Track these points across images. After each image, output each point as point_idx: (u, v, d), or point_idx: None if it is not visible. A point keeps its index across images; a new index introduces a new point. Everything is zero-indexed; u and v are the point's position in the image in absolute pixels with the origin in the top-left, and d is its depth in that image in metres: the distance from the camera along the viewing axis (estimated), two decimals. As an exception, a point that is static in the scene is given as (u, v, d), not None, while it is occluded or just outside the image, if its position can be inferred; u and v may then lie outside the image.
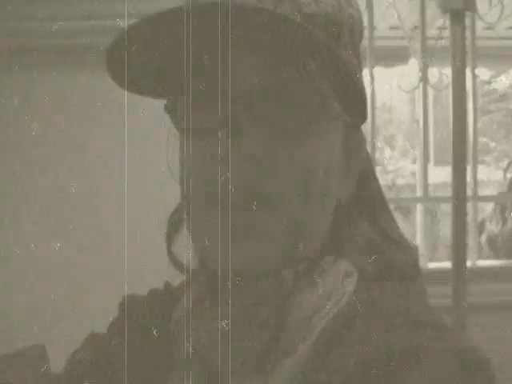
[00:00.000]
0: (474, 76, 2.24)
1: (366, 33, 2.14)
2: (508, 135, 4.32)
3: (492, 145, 4.42)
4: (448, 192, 1.59)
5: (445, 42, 1.67)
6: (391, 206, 0.66)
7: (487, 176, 3.82)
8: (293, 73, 0.52)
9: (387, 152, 4.69)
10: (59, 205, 1.91)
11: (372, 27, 2.20)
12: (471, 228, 2.24)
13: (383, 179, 4.08)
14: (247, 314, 0.53)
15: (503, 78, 4.05)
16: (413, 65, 2.30)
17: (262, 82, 0.52)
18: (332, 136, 0.56)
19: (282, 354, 0.52)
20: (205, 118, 0.53)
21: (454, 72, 1.50)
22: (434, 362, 0.45)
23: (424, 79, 2.18)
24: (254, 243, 0.52)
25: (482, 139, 4.00)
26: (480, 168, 2.41)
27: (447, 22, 1.52)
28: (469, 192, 2.00)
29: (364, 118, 0.60)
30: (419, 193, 2.30)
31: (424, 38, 2.19)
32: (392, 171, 4.47)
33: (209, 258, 0.56)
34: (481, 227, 2.73)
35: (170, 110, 0.57)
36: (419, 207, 2.33)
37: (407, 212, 3.16)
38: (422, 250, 2.26)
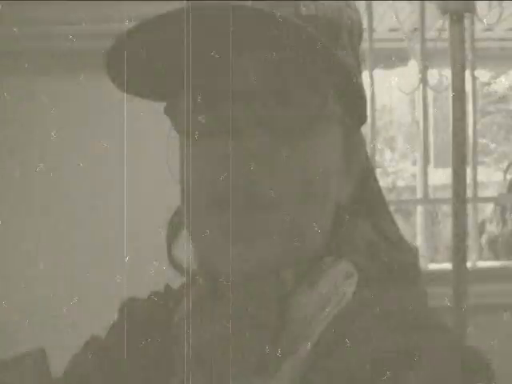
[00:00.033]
0: (474, 77, 2.24)
1: (366, 35, 2.15)
2: (508, 136, 4.32)
3: (492, 146, 4.41)
4: (448, 194, 1.59)
5: (444, 44, 1.67)
6: (391, 208, 0.66)
7: (487, 177, 3.82)
8: (292, 74, 0.52)
9: (387, 154, 4.69)
10: (59, 206, 1.91)
11: (371, 29, 2.20)
12: (471, 229, 2.24)
13: (383, 181, 4.08)
14: (247, 316, 0.53)
15: (503, 79, 4.04)
16: (412, 66, 2.30)
17: (262, 83, 0.52)
18: (332, 137, 0.56)
19: (282, 355, 0.52)
20: (205, 119, 0.53)
21: (453, 73, 1.51)
22: (434, 362, 0.45)
23: (424, 81, 2.18)
24: (254, 244, 0.52)
25: (481, 140, 4.00)
26: (480, 169, 2.41)
27: (446, 24, 1.52)
28: (469, 193, 2.01)
29: (364, 120, 0.60)
30: (419, 195, 2.30)
31: (423, 39, 2.20)
32: (392, 173, 4.47)
33: (209, 260, 0.56)
34: (481, 228, 2.73)
35: (169, 112, 0.57)
36: (419, 209, 2.33)
37: (408, 214, 3.16)
38: (422, 252, 2.26)
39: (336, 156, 0.57)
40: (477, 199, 2.28)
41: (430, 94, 2.45)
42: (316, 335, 0.53)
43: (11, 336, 1.68)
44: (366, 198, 0.62)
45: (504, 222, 2.81)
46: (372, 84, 2.17)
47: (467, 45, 2.04)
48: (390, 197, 2.87)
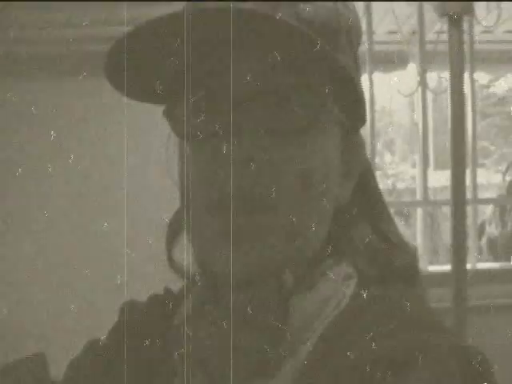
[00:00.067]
0: (473, 80, 2.25)
1: (365, 37, 2.15)
2: (507, 139, 4.31)
3: (491, 148, 4.41)
4: (448, 196, 1.59)
5: (443, 47, 1.67)
6: (391, 210, 0.66)
7: (487, 179, 3.82)
8: (292, 77, 0.52)
9: (387, 156, 4.69)
10: (58, 209, 1.91)
11: (371, 32, 2.21)
12: (471, 231, 2.24)
13: (383, 184, 4.08)
14: (248, 318, 0.53)
15: (502, 81, 4.05)
16: (411, 69, 2.31)
17: (262, 85, 0.52)
18: (331, 139, 0.56)
19: (283, 356, 0.52)
20: (205, 122, 0.53)
21: (452, 75, 1.51)
22: (434, 362, 0.46)
23: (423, 83, 2.18)
24: (254, 246, 0.52)
25: (481, 143, 4.00)
26: (479, 171, 2.41)
27: (445, 27, 1.53)
28: (468, 195, 2.01)
29: (363, 122, 0.60)
30: (419, 197, 2.30)
31: (422, 42, 2.20)
32: (392, 175, 4.47)
33: (208, 262, 0.56)
34: (480, 230, 2.73)
35: (168, 115, 0.57)
36: (419, 211, 2.34)
37: (407, 216, 3.16)
38: (422, 253, 2.26)
39: (335, 157, 0.57)
40: (476, 201, 2.28)
41: (430, 97, 2.46)
42: (316, 336, 0.53)
43: (10, 342, 1.68)
44: (366, 200, 0.62)
45: (503, 223, 2.81)
46: (371, 86, 2.18)
47: (466, 47, 2.04)
48: (389, 199, 2.87)
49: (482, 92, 4.01)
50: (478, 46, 2.30)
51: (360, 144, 0.62)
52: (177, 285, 0.66)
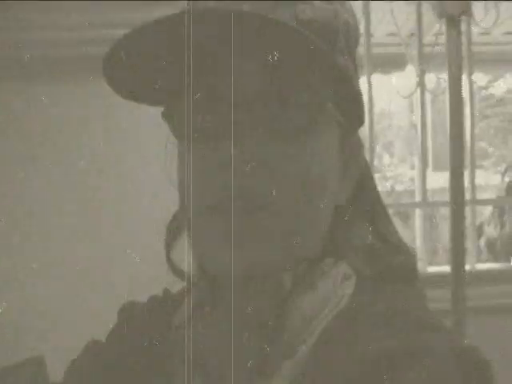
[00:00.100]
0: (471, 81, 2.25)
1: (364, 40, 2.15)
2: (505, 140, 4.32)
3: (490, 150, 4.42)
4: (447, 197, 1.60)
5: (442, 48, 1.67)
6: (390, 212, 0.66)
7: (485, 180, 3.82)
8: (290, 77, 0.52)
9: (386, 158, 4.69)
10: (57, 211, 1.91)
11: (369, 34, 2.21)
12: (470, 232, 2.25)
13: (382, 185, 4.08)
14: (247, 318, 0.53)
15: (500, 83, 4.05)
16: (410, 71, 2.31)
17: (261, 86, 0.52)
18: (329, 139, 0.56)
19: (282, 356, 0.52)
20: (204, 123, 0.54)
21: (450, 77, 1.51)
22: (433, 362, 0.46)
23: (421, 85, 2.19)
24: (253, 248, 0.52)
25: (480, 144, 4.00)
26: (478, 173, 2.42)
27: (443, 28, 1.53)
28: (467, 196, 2.01)
29: (361, 122, 0.60)
30: (418, 198, 2.30)
31: (421, 44, 2.20)
32: (391, 177, 4.47)
33: (208, 263, 0.56)
34: (479, 231, 2.74)
35: (167, 116, 0.57)
36: (418, 212, 2.34)
37: (406, 217, 3.16)
38: (421, 255, 2.26)
39: (334, 158, 0.57)
40: (475, 201, 2.28)
41: (429, 99, 2.46)
42: (315, 336, 0.53)
43: (9, 345, 1.68)
44: (364, 200, 0.62)
45: (502, 224, 2.82)
46: (370, 88, 2.18)
47: (464, 48, 2.05)
48: (388, 201, 2.87)
49: (480, 93, 4.02)
50: (476, 48, 2.30)
51: (358, 144, 0.62)
52: (176, 286, 0.66)
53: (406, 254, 0.61)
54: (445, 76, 1.59)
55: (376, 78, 2.28)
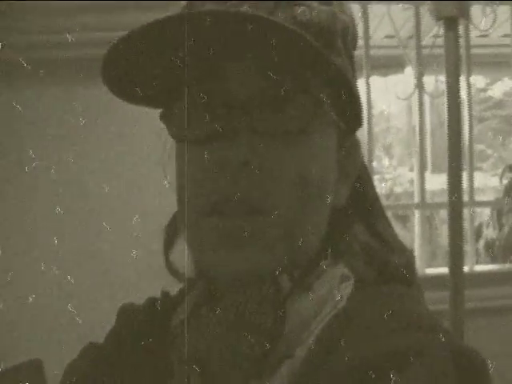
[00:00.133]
0: (469, 83, 2.25)
1: (362, 42, 2.15)
2: (504, 142, 4.32)
3: (488, 152, 4.42)
4: (446, 199, 1.60)
5: (440, 51, 1.67)
6: (389, 214, 0.66)
7: (484, 182, 3.83)
8: (288, 79, 0.52)
9: (385, 160, 4.70)
10: (55, 211, 1.91)
11: (368, 36, 2.21)
12: (468, 234, 2.25)
13: (381, 188, 4.09)
14: (245, 320, 0.53)
15: (499, 85, 4.06)
16: (409, 73, 2.31)
17: (258, 89, 0.52)
18: (327, 142, 0.56)
19: (279, 358, 0.52)
20: (201, 126, 0.54)
21: (448, 79, 1.51)
22: (430, 362, 0.46)
23: (420, 87, 2.19)
24: (251, 250, 0.52)
25: (478, 146, 4.01)
26: (476, 175, 2.42)
27: (441, 30, 1.53)
28: (466, 199, 2.01)
29: (359, 124, 0.60)
30: (417, 200, 2.31)
31: (419, 46, 2.21)
32: (390, 179, 4.47)
33: (206, 265, 0.56)
34: (478, 233, 2.74)
35: (165, 118, 0.57)
36: (417, 214, 2.34)
37: (405, 220, 3.16)
38: (419, 256, 2.26)
39: (331, 160, 0.57)
40: (473, 203, 2.29)
41: (427, 101, 2.46)
42: (312, 338, 0.53)
43: (8, 348, 1.67)
44: (362, 201, 0.62)
45: (501, 226, 2.82)
46: (368, 91, 2.18)
47: (463, 51, 2.05)
48: (387, 203, 2.88)
49: (479, 95, 4.02)
50: (474, 50, 2.30)
51: (356, 146, 0.62)
52: (174, 288, 0.66)
53: (403, 254, 0.61)
54: (443, 78, 1.59)
55: (374, 80, 2.28)
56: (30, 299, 1.77)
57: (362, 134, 0.63)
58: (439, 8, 1.45)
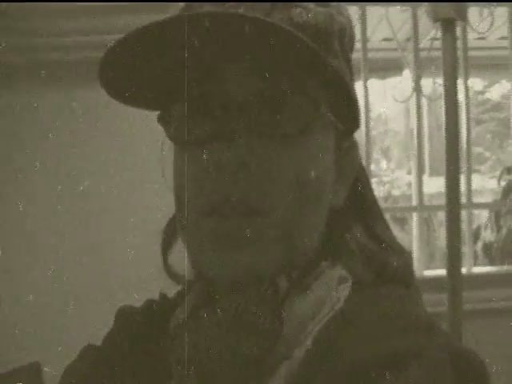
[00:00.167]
0: (467, 86, 2.26)
1: (360, 45, 2.16)
2: (502, 144, 4.33)
3: (486, 154, 4.43)
4: (443, 202, 1.60)
5: (438, 53, 1.68)
6: (387, 216, 0.66)
7: (482, 185, 3.83)
8: (285, 80, 0.52)
9: (383, 163, 4.70)
10: (53, 212, 1.91)
11: (365, 39, 2.21)
12: (466, 236, 2.25)
13: (379, 190, 4.09)
14: (243, 321, 0.53)
15: (496, 87, 4.07)
16: (407, 75, 2.32)
17: (256, 90, 0.52)
18: (325, 143, 0.56)
19: (278, 359, 0.52)
20: (199, 127, 0.54)
21: (445, 81, 1.51)
22: (428, 363, 0.46)
23: (417, 90, 2.19)
24: (249, 251, 0.52)
25: (476, 148, 4.02)
26: (474, 177, 2.42)
27: (439, 33, 1.53)
28: (463, 201, 2.01)
29: (357, 125, 0.60)
30: (415, 203, 2.31)
31: (417, 49, 2.21)
32: (388, 182, 4.48)
33: (204, 266, 0.56)
34: (476, 235, 2.74)
35: (163, 120, 0.57)
36: (415, 217, 2.34)
37: (403, 222, 3.16)
38: (418, 258, 2.26)
39: (329, 161, 0.57)
40: (471, 205, 2.29)
41: (425, 103, 2.47)
42: (310, 339, 0.53)
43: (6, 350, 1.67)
44: (360, 203, 0.63)
45: (499, 228, 2.82)
46: (366, 94, 2.18)
47: (460, 53, 2.05)
48: (385, 205, 2.88)
49: (477, 98, 4.03)
50: (472, 53, 2.31)
51: (354, 147, 0.62)
52: (172, 290, 0.66)
53: (401, 255, 0.61)
54: (441, 81, 1.59)
55: (372, 83, 2.28)
56: (30, 299, 1.77)
57: (359, 136, 0.63)
58: (436, 10, 1.45)
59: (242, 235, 0.52)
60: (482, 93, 4.19)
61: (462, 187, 1.90)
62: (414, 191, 2.34)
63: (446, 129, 1.55)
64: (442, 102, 1.56)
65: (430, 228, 3.49)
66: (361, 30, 2.18)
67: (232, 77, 0.53)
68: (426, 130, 3.07)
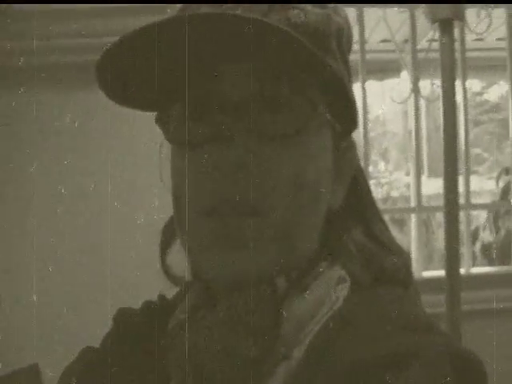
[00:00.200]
0: (465, 87, 2.26)
1: (358, 46, 2.16)
2: (500, 146, 4.33)
3: (485, 155, 4.43)
4: (442, 203, 1.60)
5: (436, 54, 1.68)
6: (386, 218, 0.66)
7: (480, 186, 3.83)
8: (282, 81, 0.52)
9: (381, 165, 4.70)
10: (51, 213, 1.91)
11: (363, 41, 2.22)
12: (465, 237, 2.25)
13: (377, 192, 4.09)
14: (242, 322, 0.53)
15: (495, 88, 4.07)
16: (405, 77, 2.32)
17: (254, 90, 0.52)
18: (323, 143, 0.56)
19: (277, 359, 0.52)
20: (197, 128, 0.54)
21: (443, 82, 1.52)
22: (427, 363, 0.46)
23: (415, 91, 2.19)
24: (247, 252, 0.52)
25: (474, 150, 4.02)
26: (473, 178, 2.42)
27: (437, 34, 1.54)
28: (462, 201, 2.01)
29: (355, 126, 0.60)
30: (413, 204, 2.31)
31: (415, 50, 2.21)
32: (386, 184, 4.47)
33: (202, 268, 0.56)
34: (474, 236, 2.74)
35: (160, 121, 0.57)
36: (413, 218, 2.34)
37: (402, 224, 3.16)
38: (416, 259, 2.27)
39: (327, 161, 0.57)
40: (469, 206, 2.29)
41: (423, 105, 2.47)
42: (310, 339, 0.53)
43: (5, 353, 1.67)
44: (358, 203, 0.63)
45: (497, 229, 2.83)
46: (364, 95, 2.18)
47: (458, 54, 2.05)
48: (384, 207, 2.88)
49: (475, 99, 4.03)
50: (469, 54, 2.31)
51: (352, 147, 0.62)
52: (171, 291, 0.66)
53: (399, 255, 0.61)
54: (439, 82, 1.59)
55: (370, 84, 2.28)
56: (30, 299, 1.77)
57: (357, 138, 0.63)
58: (434, 10, 1.45)
59: (241, 235, 0.52)
60: (480, 94, 4.19)
61: (461, 188, 1.91)
62: (412, 192, 2.34)
63: (444, 130, 1.55)
64: (440, 104, 1.57)
65: (429, 229, 3.50)
66: (359, 31, 2.18)
67: (229, 77, 0.53)
68: (424, 132, 3.07)
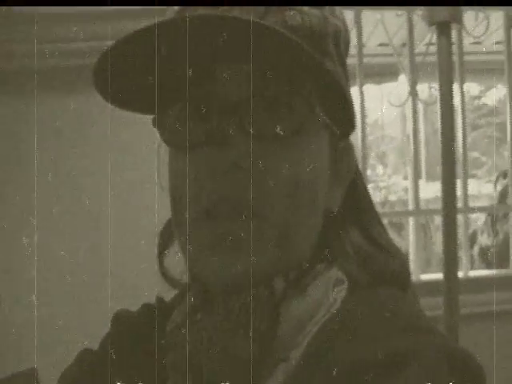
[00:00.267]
0: (463, 91, 2.26)
1: (356, 50, 2.16)
2: (498, 149, 4.34)
3: (483, 159, 4.43)
4: (440, 206, 1.60)
5: (433, 58, 1.68)
6: (384, 221, 0.66)
7: (478, 189, 3.83)
8: (279, 82, 0.52)
9: (379, 169, 4.70)
10: (50, 215, 1.91)
11: (361, 44, 2.22)
12: (463, 240, 2.25)
13: (376, 196, 4.09)
14: (240, 324, 0.53)
15: (493, 92, 4.08)
16: (402, 81, 2.32)
17: (249, 92, 0.52)
18: (319, 145, 0.56)
19: (274, 361, 0.52)
20: (193, 130, 0.54)
21: (441, 86, 1.52)
22: (424, 364, 0.46)
23: (413, 94, 2.19)
24: (245, 253, 0.52)
25: (472, 153, 4.02)
26: (471, 181, 2.42)
27: (434, 38, 1.54)
28: (460, 205, 2.01)
29: (352, 128, 0.60)
30: (411, 208, 2.31)
31: (412, 54, 2.21)
32: (384, 187, 4.48)
33: (200, 270, 0.56)
34: (472, 239, 2.74)
35: (157, 124, 0.57)
36: (411, 222, 2.34)
37: (400, 227, 3.16)
38: (414, 263, 2.26)
39: (324, 163, 0.57)
40: (468, 210, 2.29)
41: (421, 109, 2.47)
42: (307, 341, 0.53)
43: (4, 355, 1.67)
44: (356, 205, 0.63)
45: (495, 232, 2.83)
46: (362, 99, 2.18)
47: (456, 58, 2.06)
48: (382, 211, 2.88)
49: (473, 103, 4.04)
50: (467, 57, 2.31)
51: (350, 149, 0.62)
52: (168, 294, 0.66)
53: (397, 257, 0.61)
54: (437, 86, 1.59)
55: (368, 88, 2.28)
56: (30, 299, 1.77)
57: (356, 142, 0.63)
58: (432, 13, 1.45)
59: (238, 237, 0.52)
60: (478, 98, 4.20)
61: (459, 192, 1.91)
62: (410, 196, 2.34)
63: (442, 134, 1.55)
64: (438, 107, 1.57)
65: (427, 233, 3.50)
66: (356, 35, 2.18)
67: (225, 79, 0.53)
68: (422, 135, 3.07)
